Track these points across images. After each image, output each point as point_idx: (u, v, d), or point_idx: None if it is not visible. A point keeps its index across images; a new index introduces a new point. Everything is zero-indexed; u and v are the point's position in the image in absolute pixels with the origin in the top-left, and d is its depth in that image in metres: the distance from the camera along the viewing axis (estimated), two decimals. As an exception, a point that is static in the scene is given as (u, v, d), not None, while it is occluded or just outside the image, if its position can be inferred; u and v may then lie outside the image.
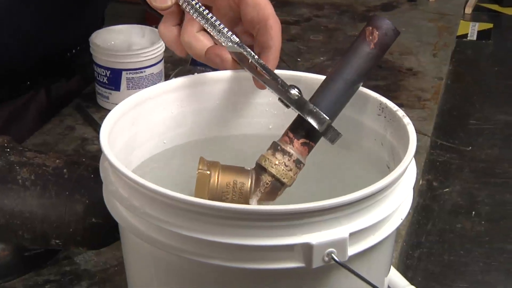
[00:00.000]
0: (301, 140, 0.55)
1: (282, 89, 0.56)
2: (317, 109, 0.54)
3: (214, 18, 0.59)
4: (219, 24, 0.58)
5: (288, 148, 0.55)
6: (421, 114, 1.01)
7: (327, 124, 0.54)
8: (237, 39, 0.58)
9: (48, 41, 0.93)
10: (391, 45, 0.56)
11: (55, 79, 0.99)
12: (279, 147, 0.55)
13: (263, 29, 0.60)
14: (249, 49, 0.58)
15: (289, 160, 0.55)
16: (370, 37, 0.55)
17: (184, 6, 0.59)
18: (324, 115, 0.54)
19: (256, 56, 0.57)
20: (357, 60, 0.56)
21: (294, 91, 0.55)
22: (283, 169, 0.54)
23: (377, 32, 0.55)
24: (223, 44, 0.58)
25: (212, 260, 0.47)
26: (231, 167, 0.56)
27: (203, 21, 0.59)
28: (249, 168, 0.56)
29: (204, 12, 0.58)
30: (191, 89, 0.62)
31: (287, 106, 0.56)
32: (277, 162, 0.55)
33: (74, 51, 0.99)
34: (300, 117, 0.55)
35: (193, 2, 0.59)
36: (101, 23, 1.06)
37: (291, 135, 0.55)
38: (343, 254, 0.47)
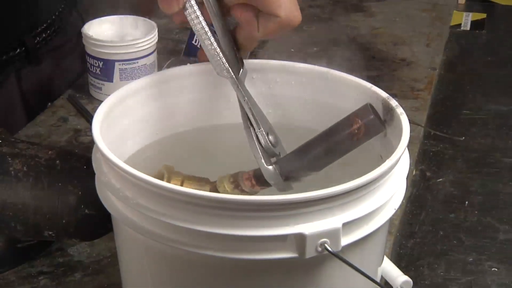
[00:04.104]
0: (262, 187, 0.56)
1: (259, 142, 0.55)
2: (282, 181, 0.55)
3: (212, 41, 0.55)
4: (214, 49, 0.55)
5: (248, 189, 0.56)
6: (414, 104, 1.01)
7: (287, 190, 0.55)
8: (228, 68, 0.55)
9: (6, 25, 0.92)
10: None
11: (21, 64, 0.98)
12: (239, 187, 0.56)
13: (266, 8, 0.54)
14: (236, 82, 0.56)
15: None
16: (356, 131, 0.54)
17: (188, 18, 0.55)
18: (289, 185, 0.55)
19: (244, 96, 0.56)
20: (335, 144, 0.55)
21: (268, 142, 0.55)
22: None
23: (364, 130, 0.54)
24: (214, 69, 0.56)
25: (205, 251, 0.47)
26: (194, 178, 0.57)
27: (199, 37, 0.55)
28: (211, 181, 0.57)
29: (203, 31, 0.55)
30: (185, 80, 0.62)
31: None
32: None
33: (44, 34, 0.98)
34: None
35: (197, 19, 0.55)
36: (68, 11, 1.04)
37: (254, 181, 0.56)
38: (336, 244, 0.47)
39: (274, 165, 0.55)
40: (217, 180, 0.56)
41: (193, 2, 0.54)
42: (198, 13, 0.54)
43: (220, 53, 0.55)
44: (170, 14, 0.55)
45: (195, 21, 0.55)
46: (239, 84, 0.56)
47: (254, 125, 0.56)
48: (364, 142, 0.55)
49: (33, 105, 0.99)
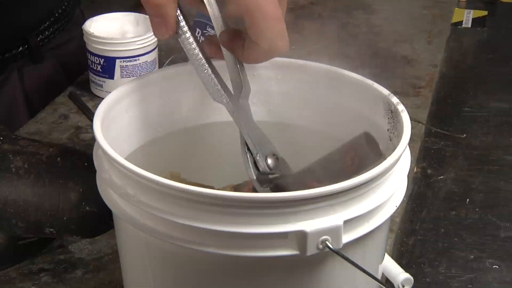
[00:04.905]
0: None
1: (256, 167, 0.55)
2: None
3: (206, 67, 0.54)
4: (209, 75, 0.54)
5: None
6: (415, 102, 1.01)
7: None
8: (224, 94, 0.54)
9: (8, 23, 0.92)
10: None
11: (24, 62, 0.98)
12: None
13: (247, 22, 0.51)
14: (232, 108, 0.54)
15: None
16: (350, 163, 0.54)
17: (181, 44, 0.54)
18: None
19: (241, 123, 0.55)
20: (329, 175, 0.54)
21: (266, 167, 0.55)
22: None
23: (357, 161, 0.53)
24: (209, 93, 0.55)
25: (206, 248, 0.47)
26: (199, 185, 0.56)
27: (193, 63, 0.54)
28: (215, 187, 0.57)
29: (198, 56, 0.54)
30: (186, 77, 0.61)
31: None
32: None
33: (47, 32, 0.98)
34: None
35: (190, 45, 0.54)
36: (71, 8, 1.04)
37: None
38: (337, 242, 0.47)
39: (269, 190, 0.55)
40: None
41: (185, 29, 0.53)
42: (191, 39, 0.53)
43: (215, 79, 0.54)
44: (164, 40, 0.54)
45: (188, 47, 0.53)
46: (235, 110, 0.55)
47: (252, 151, 0.55)
48: (360, 172, 0.54)
49: (36, 103, 0.99)
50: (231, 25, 0.55)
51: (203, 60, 0.54)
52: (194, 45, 0.53)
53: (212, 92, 0.54)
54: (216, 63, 0.55)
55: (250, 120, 0.56)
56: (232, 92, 0.55)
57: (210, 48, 0.56)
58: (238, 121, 0.55)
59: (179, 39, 0.54)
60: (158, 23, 0.52)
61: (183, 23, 0.53)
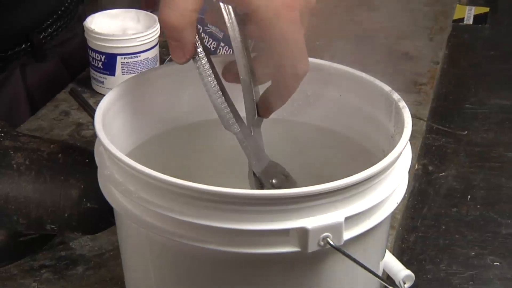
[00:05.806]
0: None
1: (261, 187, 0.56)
2: None
3: (220, 94, 0.53)
4: (221, 103, 0.53)
5: None
6: (416, 99, 1.01)
7: None
8: (235, 123, 0.54)
9: (10, 20, 0.92)
10: None
11: (26, 60, 0.98)
12: None
13: (272, 50, 0.51)
14: (243, 139, 0.54)
15: None
16: None
17: (197, 70, 0.53)
18: None
19: (249, 154, 0.55)
20: None
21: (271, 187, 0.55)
22: None
23: None
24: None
25: (207, 245, 0.47)
26: None
27: (207, 90, 0.53)
28: None
29: (213, 83, 0.53)
30: (187, 73, 0.61)
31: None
32: None
33: (50, 30, 0.98)
34: None
35: (205, 72, 0.53)
36: (74, 5, 1.04)
37: None
38: (338, 239, 0.47)
39: None
40: None
41: (202, 55, 0.52)
42: (207, 66, 0.53)
43: (228, 108, 0.53)
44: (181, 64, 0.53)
45: (203, 74, 0.53)
46: (245, 140, 0.54)
47: (260, 179, 0.55)
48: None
49: (37, 99, 0.99)
50: (250, 39, 0.55)
51: (217, 87, 0.53)
52: (210, 71, 0.53)
53: (224, 120, 0.54)
54: (231, 91, 0.55)
55: (259, 149, 0.55)
56: (245, 120, 0.55)
57: (228, 75, 0.56)
58: (247, 151, 0.55)
59: (195, 64, 0.53)
60: (175, 46, 0.51)
61: (200, 49, 0.52)
